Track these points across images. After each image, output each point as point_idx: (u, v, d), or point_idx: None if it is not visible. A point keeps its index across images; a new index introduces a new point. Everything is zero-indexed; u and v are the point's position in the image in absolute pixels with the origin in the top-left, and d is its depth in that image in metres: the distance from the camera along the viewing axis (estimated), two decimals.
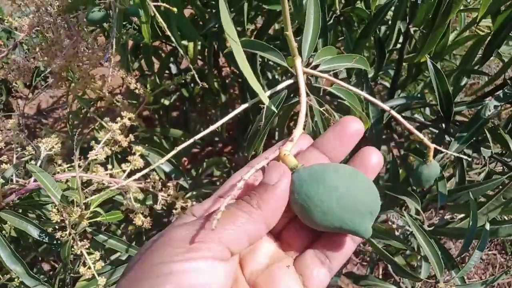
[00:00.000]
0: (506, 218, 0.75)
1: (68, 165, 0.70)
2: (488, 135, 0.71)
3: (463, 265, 0.61)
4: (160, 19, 0.59)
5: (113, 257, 0.84)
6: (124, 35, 0.78)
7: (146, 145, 0.78)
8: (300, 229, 0.35)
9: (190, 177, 1.25)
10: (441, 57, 0.87)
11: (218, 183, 1.32)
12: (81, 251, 0.61)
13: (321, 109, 0.49)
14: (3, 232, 0.63)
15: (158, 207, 0.71)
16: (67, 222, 0.60)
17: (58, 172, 0.67)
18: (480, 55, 0.81)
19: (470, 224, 0.61)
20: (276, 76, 1.34)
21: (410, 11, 0.78)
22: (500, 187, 0.65)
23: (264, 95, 0.37)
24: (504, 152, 0.81)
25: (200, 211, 0.34)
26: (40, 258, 0.98)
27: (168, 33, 0.61)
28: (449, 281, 0.61)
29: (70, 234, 0.60)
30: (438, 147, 0.40)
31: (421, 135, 0.38)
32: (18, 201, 0.63)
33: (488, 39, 0.74)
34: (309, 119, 0.56)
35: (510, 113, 0.91)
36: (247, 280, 0.32)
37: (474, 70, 0.92)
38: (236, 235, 0.30)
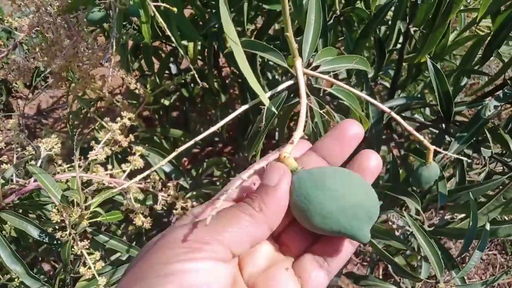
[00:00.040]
0: (506, 218, 0.75)
1: (68, 165, 0.70)
2: (488, 135, 0.71)
3: (463, 265, 0.61)
4: (160, 19, 0.59)
5: (113, 257, 0.85)
6: (124, 35, 0.78)
7: (146, 145, 0.78)
8: (299, 231, 0.35)
9: (190, 177, 1.25)
10: (441, 57, 0.88)
11: (218, 183, 1.32)
12: (81, 251, 0.61)
13: (321, 111, 0.49)
14: (3, 232, 0.63)
15: (158, 207, 0.71)
16: (67, 222, 0.60)
17: (58, 172, 0.67)
18: (480, 55, 0.81)
19: (470, 224, 0.61)
20: (276, 76, 1.34)
21: (410, 11, 0.78)
22: (500, 187, 0.65)
23: (264, 97, 0.37)
24: (504, 152, 0.81)
25: (201, 212, 0.34)
26: (40, 258, 0.98)
27: (168, 33, 0.61)
28: (449, 281, 0.61)
29: (70, 234, 0.60)
30: (438, 149, 0.40)
31: (421, 137, 0.38)
32: (18, 201, 0.63)
33: (488, 39, 0.74)
34: (309, 120, 0.56)
35: (510, 113, 0.91)
36: (246, 281, 0.32)
37: (474, 70, 0.92)
38: (238, 237, 0.30)
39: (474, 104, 0.80)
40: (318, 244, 0.34)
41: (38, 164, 0.63)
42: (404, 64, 0.90)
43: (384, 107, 0.39)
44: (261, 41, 0.48)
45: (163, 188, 0.72)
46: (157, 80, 1.15)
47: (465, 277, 0.64)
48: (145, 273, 0.28)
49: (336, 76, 0.54)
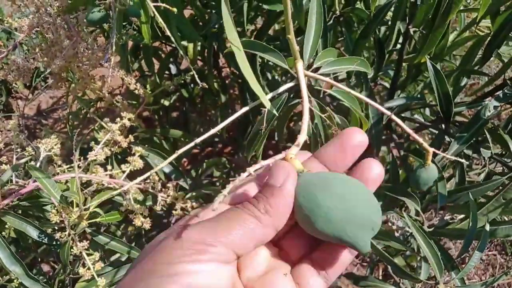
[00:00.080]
0: (506, 219, 0.75)
1: (68, 165, 0.70)
2: (488, 136, 0.71)
3: (463, 266, 0.61)
4: (160, 20, 0.59)
5: (113, 258, 0.84)
6: (124, 36, 0.78)
7: (146, 145, 0.78)
8: (299, 238, 0.35)
9: (190, 178, 1.25)
10: (441, 57, 0.87)
11: (218, 184, 1.32)
12: (80, 252, 0.61)
13: (323, 115, 0.49)
14: (3, 233, 0.63)
15: (157, 208, 0.71)
16: (66, 222, 0.60)
17: (58, 173, 0.67)
18: (480, 56, 0.81)
19: (470, 225, 0.61)
20: (276, 77, 1.34)
21: (409, 12, 0.78)
22: (500, 187, 0.65)
23: (265, 99, 0.37)
24: (504, 152, 0.81)
25: (204, 213, 0.34)
26: (39, 259, 0.98)
27: (168, 33, 0.61)
28: (449, 282, 0.61)
29: (69, 235, 0.60)
30: (437, 151, 0.40)
31: (420, 139, 0.38)
32: (17, 202, 0.63)
33: (488, 39, 0.74)
34: (309, 121, 0.56)
35: (510, 113, 0.91)
36: (244, 285, 0.32)
37: (474, 71, 0.92)
38: (243, 239, 0.30)
39: (474, 105, 0.80)
40: (317, 251, 0.34)
41: (38, 165, 0.63)
42: (403, 64, 0.90)
43: (384, 109, 0.39)
44: (261, 42, 0.48)
45: (163, 189, 0.72)
46: (157, 80, 1.15)
47: (465, 278, 0.64)
48: (148, 272, 0.28)
49: (336, 77, 0.54)
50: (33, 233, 0.61)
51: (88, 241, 0.62)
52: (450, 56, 1.05)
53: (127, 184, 0.36)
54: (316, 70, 0.48)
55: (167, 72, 1.27)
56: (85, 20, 0.67)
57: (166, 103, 1.34)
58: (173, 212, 0.71)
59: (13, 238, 0.69)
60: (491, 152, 0.75)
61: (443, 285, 0.59)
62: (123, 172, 0.70)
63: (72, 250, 0.60)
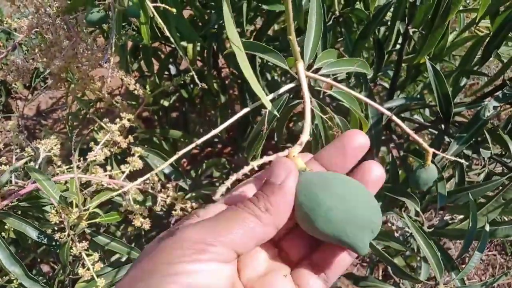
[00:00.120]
0: (506, 219, 0.75)
1: (67, 166, 0.70)
2: (488, 136, 0.71)
3: (463, 266, 0.61)
4: (159, 20, 0.59)
5: (112, 259, 0.84)
6: (123, 36, 0.78)
7: (146, 146, 0.78)
8: (299, 239, 0.35)
9: (190, 178, 1.25)
10: (441, 58, 0.88)
11: (217, 184, 1.32)
12: (80, 253, 0.60)
13: (324, 116, 0.49)
14: (2, 234, 0.63)
15: (157, 208, 0.71)
16: (66, 223, 0.59)
17: (57, 173, 0.67)
18: (480, 56, 0.81)
19: (470, 225, 0.61)
20: (276, 77, 1.34)
21: (409, 12, 0.78)
22: (500, 188, 0.65)
23: (266, 100, 0.37)
24: (503, 153, 0.81)
25: (205, 213, 0.34)
26: (39, 260, 0.98)
27: (167, 34, 0.61)
28: (449, 282, 0.61)
29: (69, 235, 0.60)
30: (437, 151, 0.39)
31: (420, 139, 0.38)
32: (17, 202, 0.63)
33: (487, 39, 0.74)
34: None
35: (509, 113, 0.91)
36: (244, 285, 0.32)
37: (474, 71, 0.92)
38: (243, 238, 0.30)
39: (474, 105, 0.80)
40: (317, 252, 0.34)
41: (37, 165, 0.63)
42: (403, 65, 0.90)
43: (383, 109, 0.39)
44: (261, 43, 0.48)
45: (162, 189, 0.72)
46: (157, 81, 1.15)
47: (465, 278, 0.64)
48: (148, 272, 0.28)
49: (335, 78, 0.54)
50: (33, 233, 0.61)
51: (87, 242, 0.62)
52: (450, 57, 1.05)
53: (127, 185, 0.36)
54: (316, 71, 0.48)
55: (166, 72, 1.27)
56: (84, 21, 0.67)
57: (166, 103, 1.34)
58: (173, 212, 0.71)
59: (13, 239, 0.69)
60: (491, 153, 0.75)
61: (443, 286, 0.59)
62: (123, 172, 0.70)
63: (71, 250, 0.60)
